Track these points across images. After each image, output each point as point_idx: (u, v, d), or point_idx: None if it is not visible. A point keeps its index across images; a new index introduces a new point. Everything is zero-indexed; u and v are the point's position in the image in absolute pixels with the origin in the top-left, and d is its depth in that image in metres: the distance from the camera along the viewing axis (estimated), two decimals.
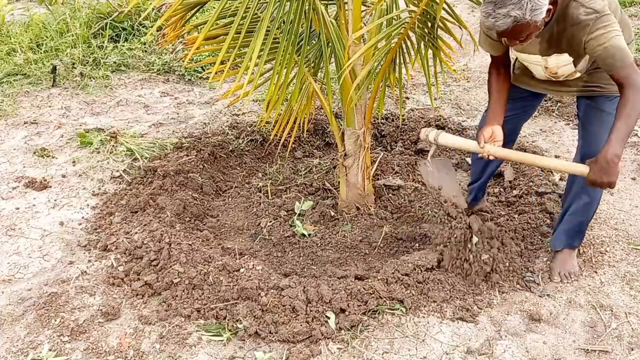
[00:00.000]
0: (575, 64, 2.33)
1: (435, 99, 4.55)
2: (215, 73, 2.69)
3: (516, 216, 3.13)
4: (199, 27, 3.53)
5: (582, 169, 2.26)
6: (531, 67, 2.50)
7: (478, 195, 3.13)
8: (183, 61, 5.25)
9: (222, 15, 2.81)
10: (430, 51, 2.94)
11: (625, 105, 2.11)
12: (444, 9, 2.72)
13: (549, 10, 2.06)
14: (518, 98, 2.68)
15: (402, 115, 4.29)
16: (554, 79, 2.49)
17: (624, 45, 2.08)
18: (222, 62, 2.52)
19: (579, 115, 2.59)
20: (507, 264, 2.66)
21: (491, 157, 2.45)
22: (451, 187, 2.84)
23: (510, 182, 3.52)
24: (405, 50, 2.95)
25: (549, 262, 2.73)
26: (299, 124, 3.28)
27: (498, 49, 2.45)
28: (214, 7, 4.92)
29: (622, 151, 2.13)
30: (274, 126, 3.28)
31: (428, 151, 3.94)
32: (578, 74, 2.41)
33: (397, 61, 3.02)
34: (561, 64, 2.35)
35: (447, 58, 2.96)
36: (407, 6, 2.72)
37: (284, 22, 2.66)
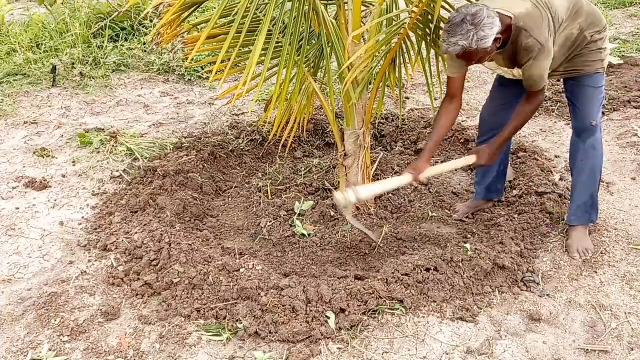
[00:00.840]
0: None
1: (435, 99, 4.55)
2: (216, 72, 2.69)
3: (516, 216, 3.12)
4: (198, 27, 3.53)
5: (471, 159, 2.76)
6: (503, 73, 2.87)
7: (491, 190, 3.22)
8: (183, 61, 5.26)
9: (223, 15, 2.81)
10: (432, 51, 2.95)
11: (519, 114, 2.67)
12: (444, 8, 2.73)
13: (498, 39, 2.38)
14: (508, 84, 2.91)
15: (402, 116, 4.29)
16: None
17: (546, 73, 2.53)
18: (222, 62, 2.52)
19: (567, 95, 2.85)
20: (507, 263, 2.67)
21: (424, 181, 2.77)
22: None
23: (510, 182, 3.51)
24: (405, 51, 2.95)
25: (566, 240, 2.84)
26: (299, 124, 3.28)
27: (460, 69, 2.62)
28: (213, 7, 4.92)
29: (498, 150, 2.74)
30: (273, 126, 3.27)
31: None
32: None
33: (397, 61, 3.02)
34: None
35: None
36: (407, 6, 2.72)
37: (284, 23, 2.67)
